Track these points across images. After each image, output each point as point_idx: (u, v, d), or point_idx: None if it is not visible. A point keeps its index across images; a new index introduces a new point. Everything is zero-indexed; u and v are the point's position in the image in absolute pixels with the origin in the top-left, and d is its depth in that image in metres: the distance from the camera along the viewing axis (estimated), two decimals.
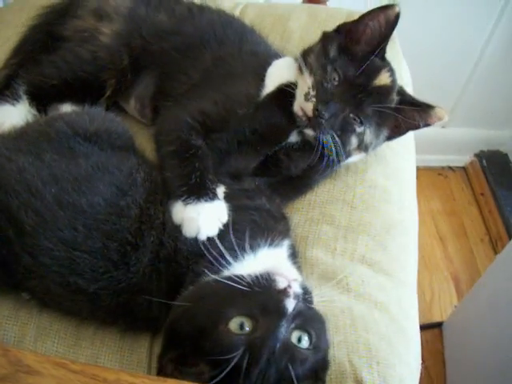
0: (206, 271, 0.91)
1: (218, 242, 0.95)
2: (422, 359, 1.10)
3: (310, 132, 1.11)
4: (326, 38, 1.16)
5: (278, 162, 1.16)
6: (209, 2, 1.41)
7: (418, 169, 1.42)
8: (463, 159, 2.88)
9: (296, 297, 0.84)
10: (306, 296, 0.88)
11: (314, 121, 1.08)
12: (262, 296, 0.84)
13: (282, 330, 0.80)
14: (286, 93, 1.13)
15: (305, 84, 1.11)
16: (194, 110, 1.13)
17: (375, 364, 0.97)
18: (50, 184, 0.96)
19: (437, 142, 2.71)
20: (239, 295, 0.84)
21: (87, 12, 1.33)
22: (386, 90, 1.13)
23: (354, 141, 1.13)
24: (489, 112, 2.67)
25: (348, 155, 1.16)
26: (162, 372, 0.82)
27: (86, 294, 0.93)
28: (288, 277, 0.87)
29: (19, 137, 1.06)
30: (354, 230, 1.17)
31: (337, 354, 0.97)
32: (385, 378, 0.96)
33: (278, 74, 1.18)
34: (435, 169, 2.86)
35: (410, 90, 1.38)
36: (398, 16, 1.08)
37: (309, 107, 1.08)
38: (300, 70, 1.14)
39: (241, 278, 0.86)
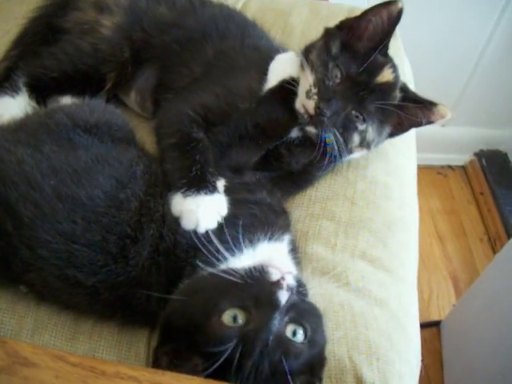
0: (202, 265, 0.90)
1: (212, 236, 0.94)
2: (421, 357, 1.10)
3: (311, 129, 1.11)
4: (327, 34, 1.16)
5: (279, 156, 1.15)
6: None
7: (418, 167, 1.42)
8: (463, 158, 2.89)
9: (289, 289, 0.84)
10: (300, 289, 0.87)
11: (315, 119, 1.07)
12: (255, 288, 0.83)
13: (275, 323, 0.79)
14: (288, 88, 1.12)
15: (306, 81, 1.10)
16: (195, 103, 1.13)
17: (375, 360, 0.96)
18: (49, 176, 0.95)
19: (437, 141, 2.71)
20: (233, 288, 0.83)
21: (88, 4, 1.32)
22: (388, 87, 1.12)
23: (356, 138, 1.12)
24: (489, 111, 2.67)
25: (350, 152, 1.16)
26: (156, 364, 0.82)
27: (84, 287, 0.92)
28: (281, 269, 0.87)
29: (18, 128, 1.06)
30: (354, 226, 1.16)
31: (337, 350, 0.97)
32: (385, 375, 0.95)
33: (281, 68, 1.18)
34: (435, 167, 2.86)
35: (411, 87, 1.37)
36: (400, 12, 1.07)
37: (310, 105, 1.08)
38: (302, 66, 1.14)
39: (235, 270, 0.86)
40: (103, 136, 1.07)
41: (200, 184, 1.01)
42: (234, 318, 0.80)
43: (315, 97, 1.07)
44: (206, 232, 0.96)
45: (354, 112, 1.09)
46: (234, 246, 0.93)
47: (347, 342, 0.98)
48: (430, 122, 1.15)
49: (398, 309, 1.08)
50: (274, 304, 0.81)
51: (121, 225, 0.94)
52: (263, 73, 1.17)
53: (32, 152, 0.98)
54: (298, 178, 1.20)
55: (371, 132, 1.13)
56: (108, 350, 0.98)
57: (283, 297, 0.82)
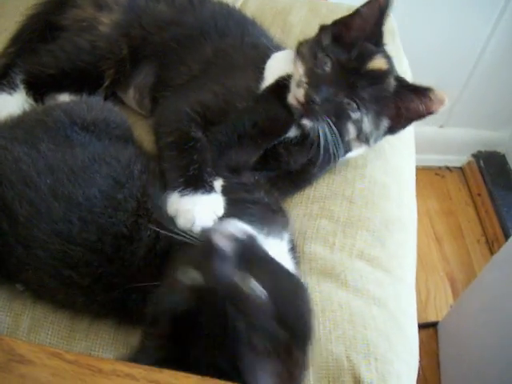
0: None
1: None
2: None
3: (306, 123, 1.08)
4: (321, 29, 1.16)
5: (277, 156, 1.15)
6: None
7: (416, 168, 1.42)
8: (460, 159, 2.89)
9: (231, 238, 0.82)
10: (250, 241, 0.86)
11: (307, 108, 1.06)
12: (203, 245, 0.83)
13: (220, 270, 0.78)
14: (284, 85, 1.12)
15: (297, 73, 1.10)
16: (194, 102, 1.12)
17: (373, 360, 0.96)
18: (45, 175, 0.94)
19: (434, 142, 2.71)
20: (190, 251, 0.85)
21: (86, 2, 1.32)
22: (381, 74, 1.10)
23: (351, 129, 1.10)
24: (487, 113, 2.67)
25: (348, 147, 1.14)
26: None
27: (80, 287, 0.92)
28: (224, 226, 0.87)
29: (15, 126, 1.05)
30: (352, 226, 1.16)
31: (335, 349, 0.97)
32: (383, 375, 0.95)
33: (277, 66, 1.17)
34: (432, 168, 2.86)
35: None
36: (388, 1, 1.08)
37: (300, 93, 1.07)
38: (294, 61, 1.14)
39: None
40: (101, 134, 1.06)
41: (197, 183, 1.00)
42: (188, 277, 0.79)
43: (305, 85, 1.07)
44: None
45: (346, 100, 1.07)
46: None
47: (345, 342, 0.98)
48: (430, 113, 1.11)
49: (396, 309, 1.08)
50: (212, 251, 0.80)
51: (117, 225, 0.93)
52: (260, 71, 1.17)
53: (28, 150, 0.97)
54: (297, 178, 1.19)
55: (367, 122, 1.10)
56: (104, 349, 0.97)
57: (221, 242, 0.80)
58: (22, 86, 1.22)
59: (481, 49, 2.38)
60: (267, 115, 1.13)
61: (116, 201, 0.95)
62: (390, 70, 1.13)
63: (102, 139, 1.06)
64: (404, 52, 1.55)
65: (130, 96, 1.32)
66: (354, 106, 1.07)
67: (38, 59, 1.25)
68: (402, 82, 1.14)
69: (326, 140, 1.07)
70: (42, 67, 1.23)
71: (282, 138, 1.14)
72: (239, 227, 0.87)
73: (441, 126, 2.73)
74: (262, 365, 0.74)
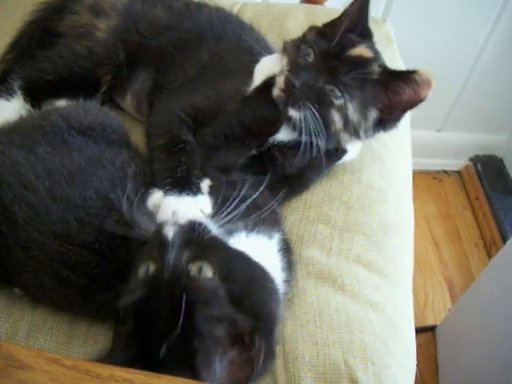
0: None
1: None
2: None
3: (292, 114, 1.07)
4: (309, 29, 1.17)
5: (272, 159, 1.14)
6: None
7: (413, 172, 1.41)
8: (458, 163, 2.89)
9: (177, 225, 0.84)
10: (200, 226, 0.86)
11: (287, 92, 1.05)
12: (154, 236, 0.85)
13: (169, 258, 0.79)
14: (271, 85, 1.12)
15: (281, 66, 1.11)
16: (185, 104, 1.13)
17: (370, 364, 0.96)
18: (43, 177, 0.95)
19: (432, 146, 2.71)
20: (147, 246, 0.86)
21: (84, 8, 1.33)
22: (363, 60, 1.09)
23: (336, 117, 1.07)
24: (484, 117, 2.67)
25: (336, 139, 1.11)
26: None
27: (77, 288, 0.92)
28: (174, 216, 0.89)
29: (13, 131, 1.06)
30: (349, 230, 1.16)
31: (332, 353, 0.97)
32: (380, 379, 0.95)
33: (265, 68, 1.17)
34: (430, 172, 2.86)
35: None
36: None
37: (281, 80, 1.07)
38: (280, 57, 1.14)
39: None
40: (97, 138, 1.07)
41: (184, 185, 1.01)
42: (143, 270, 0.82)
43: (286, 72, 1.07)
44: None
45: (328, 86, 1.06)
46: None
47: (342, 346, 0.98)
48: (419, 99, 1.07)
49: (393, 313, 1.08)
50: (161, 240, 0.81)
51: (112, 225, 0.94)
52: (251, 75, 1.17)
53: (26, 154, 0.99)
54: (294, 183, 1.19)
55: (352, 110, 1.08)
56: None
57: (169, 231, 0.82)
58: (19, 92, 1.23)
59: (478, 53, 2.38)
60: (254, 115, 1.13)
61: (110, 201, 0.96)
62: (375, 58, 1.12)
63: (99, 143, 1.07)
64: (400, 56, 1.55)
65: (128, 101, 1.33)
66: (337, 92, 1.06)
67: (36, 65, 1.26)
68: (386, 69, 1.12)
69: (309, 129, 1.05)
70: (39, 73, 1.24)
71: (276, 142, 1.14)
72: (189, 217, 0.89)
73: (438, 130, 2.73)
74: (216, 351, 0.74)
